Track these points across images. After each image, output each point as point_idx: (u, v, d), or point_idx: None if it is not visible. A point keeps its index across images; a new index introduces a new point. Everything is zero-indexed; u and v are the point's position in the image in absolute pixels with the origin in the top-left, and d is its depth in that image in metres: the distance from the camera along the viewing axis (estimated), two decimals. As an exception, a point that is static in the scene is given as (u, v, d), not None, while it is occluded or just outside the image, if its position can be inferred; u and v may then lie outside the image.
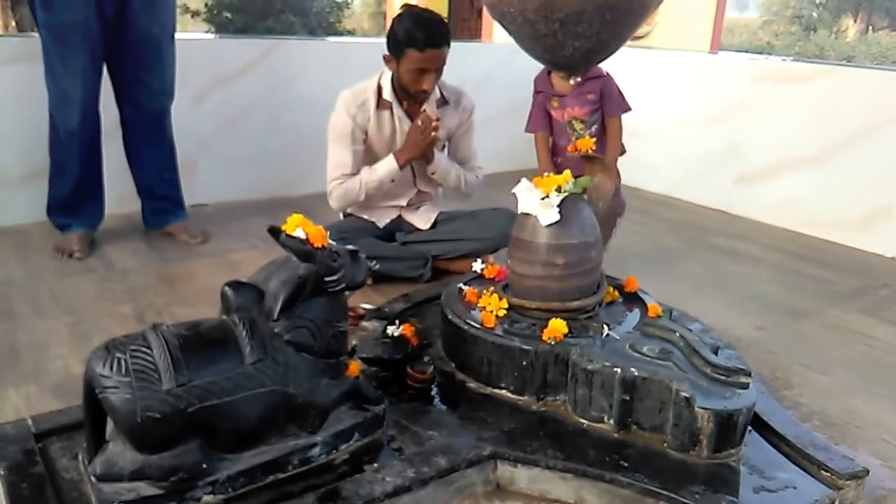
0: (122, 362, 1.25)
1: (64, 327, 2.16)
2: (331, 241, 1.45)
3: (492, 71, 4.29)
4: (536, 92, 2.52)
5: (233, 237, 3.00)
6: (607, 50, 1.79)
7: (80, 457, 1.39)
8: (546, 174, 1.78)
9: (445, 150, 2.67)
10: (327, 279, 1.42)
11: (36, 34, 2.77)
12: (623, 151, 2.58)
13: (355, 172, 2.52)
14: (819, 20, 15.96)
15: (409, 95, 2.49)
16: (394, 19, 2.42)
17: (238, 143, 3.55)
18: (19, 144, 3.06)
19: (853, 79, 3.32)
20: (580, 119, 2.43)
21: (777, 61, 3.97)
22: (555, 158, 2.57)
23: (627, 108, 2.50)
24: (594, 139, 2.05)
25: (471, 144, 2.72)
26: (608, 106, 2.44)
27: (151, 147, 2.92)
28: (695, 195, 3.95)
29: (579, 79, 2.33)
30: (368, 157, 2.58)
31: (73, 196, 2.80)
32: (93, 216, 2.87)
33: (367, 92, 2.52)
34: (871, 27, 16.05)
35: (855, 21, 16.16)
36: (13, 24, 8.02)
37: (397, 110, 2.52)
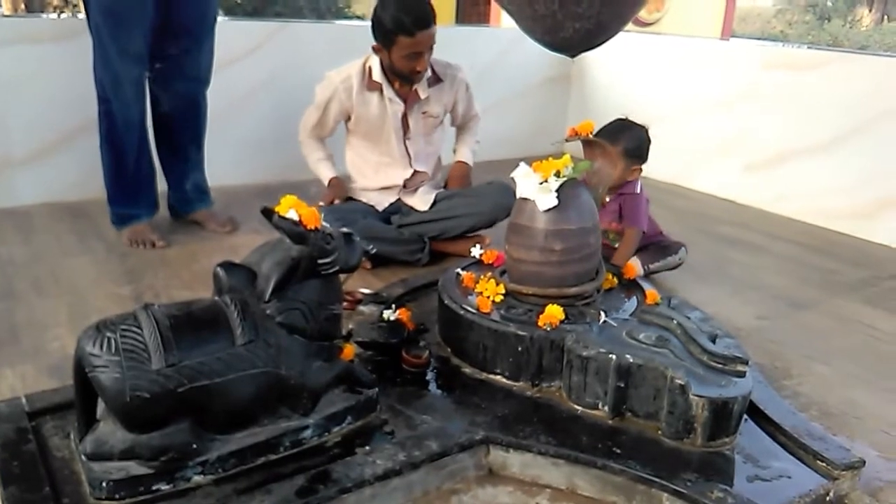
0: (112, 342, 1.25)
1: (63, 307, 2.17)
2: (324, 224, 1.44)
3: (499, 56, 4.26)
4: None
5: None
6: (607, 32, 1.77)
7: (71, 436, 1.39)
8: None
9: (445, 121, 2.75)
10: (320, 261, 1.41)
11: (54, 15, 2.74)
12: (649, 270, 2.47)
13: (318, 135, 2.70)
14: (833, 9, 15.76)
15: (401, 77, 2.48)
16: (376, 7, 2.41)
17: (243, 126, 3.54)
18: (24, 126, 3.06)
19: (863, 66, 3.28)
20: (612, 231, 2.39)
21: (787, 48, 3.93)
22: None
23: (641, 226, 2.37)
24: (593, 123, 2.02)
25: (472, 108, 2.79)
26: (630, 218, 2.36)
27: (183, 133, 2.86)
28: (701, 183, 3.91)
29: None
30: (357, 136, 2.65)
31: (136, 185, 2.74)
32: (153, 203, 2.82)
33: (352, 75, 2.54)
34: (886, 17, 15.84)
35: (870, 10, 15.95)
36: (23, 6, 8.03)
37: (388, 91, 2.53)
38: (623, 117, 2.39)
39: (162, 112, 2.81)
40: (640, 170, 2.37)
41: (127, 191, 2.73)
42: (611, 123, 2.33)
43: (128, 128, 2.63)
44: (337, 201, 2.60)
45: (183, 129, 2.86)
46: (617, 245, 2.32)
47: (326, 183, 2.66)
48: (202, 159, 2.97)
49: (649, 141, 2.37)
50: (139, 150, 2.70)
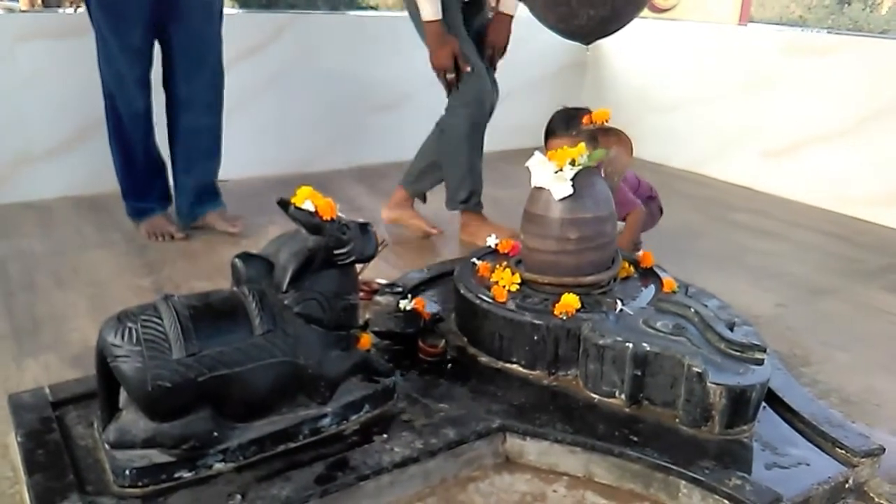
0: (134, 332, 1.27)
1: (84, 299, 2.20)
2: (340, 214, 1.45)
3: (514, 45, 4.22)
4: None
5: (253, 212, 3.01)
6: (622, 19, 1.75)
7: (95, 424, 1.41)
8: None
9: None
10: (336, 252, 1.42)
11: (70, 10, 2.75)
12: (638, 247, 2.47)
13: None
14: (854, -8, 15.50)
15: None
16: None
17: (259, 118, 3.56)
18: (43, 120, 3.10)
19: (884, 51, 3.23)
20: None
21: (806, 33, 3.88)
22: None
23: (637, 206, 2.42)
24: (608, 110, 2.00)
25: None
26: (620, 207, 2.24)
27: (194, 132, 2.76)
28: (719, 170, 3.88)
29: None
30: None
31: (148, 179, 2.75)
32: (166, 195, 2.83)
33: None
34: (908, -1, 15.56)
35: (892, -7, 15.68)
36: (39, 1, 8.08)
37: None
38: (566, 107, 2.39)
39: (174, 109, 2.75)
40: None
41: (138, 184, 2.75)
42: (557, 114, 2.36)
43: (134, 122, 2.64)
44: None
45: (193, 128, 2.78)
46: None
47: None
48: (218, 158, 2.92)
49: None
50: (148, 144, 2.71)
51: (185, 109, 2.72)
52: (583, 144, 1.75)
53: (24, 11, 4.62)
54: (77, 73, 3.09)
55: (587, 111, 2.17)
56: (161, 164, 2.80)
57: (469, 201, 2.74)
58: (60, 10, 3.74)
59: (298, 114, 3.64)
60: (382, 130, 3.77)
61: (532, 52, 4.23)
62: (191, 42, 2.63)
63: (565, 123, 2.28)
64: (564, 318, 1.67)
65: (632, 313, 1.69)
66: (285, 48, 3.55)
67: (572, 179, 1.70)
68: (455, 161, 2.69)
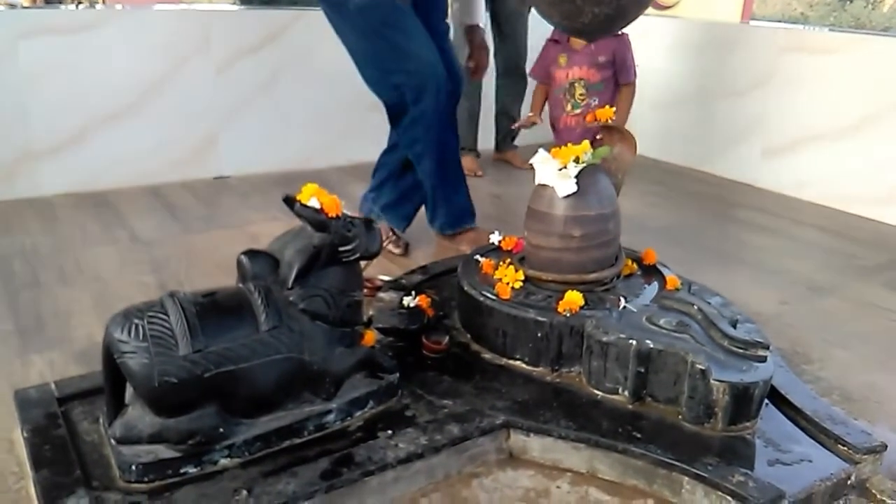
0: (140, 328, 1.27)
1: (88, 296, 2.20)
2: (345, 211, 1.45)
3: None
4: (551, 40, 2.42)
5: (255, 209, 3.02)
6: (628, 16, 1.76)
7: (100, 420, 1.42)
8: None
9: None
10: (342, 249, 1.43)
11: (72, 7, 2.71)
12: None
13: None
14: (856, -10, 15.47)
15: None
16: None
17: (261, 114, 3.56)
18: (46, 116, 3.10)
19: (886, 49, 3.23)
20: (585, 82, 2.27)
21: (808, 31, 3.88)
22: (556, 128, 2.44)
23: (635, 76, 2.37)
24: (613, 108, 2.01)
25: None
26: (622, 72, 2.30)
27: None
28: (720, 168, 3.88)
29: None
30: None
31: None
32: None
33: None
34: (910, -3, 15.53)
35: (893, -10, 15.64)
36: (41, -3, 8.07)
37: None
38: None
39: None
40: None
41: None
42: None
43: (447, 106, 2.41)
44: None
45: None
46: (579, 109, 2.25)
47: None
48: None
49: None
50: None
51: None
52: (587, 142, 1.76)
53: (26, 7, 4.62)
54: (80, 70, 3.10)
55: None
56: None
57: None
58: (62, 7, 3.73)
59: (300, 110, 3.64)
60: (383, 127, 3.77)
61: (533, 50, 4.23)
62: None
63: None
64: (568, 315, 1.67)
65: (635, 310, 1.69)
66: (287, 45, 3.56)
67: (576, 177, 1.71)
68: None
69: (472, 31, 2.67)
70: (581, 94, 2.30)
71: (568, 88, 2.33)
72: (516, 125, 2.52)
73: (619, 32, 2.27)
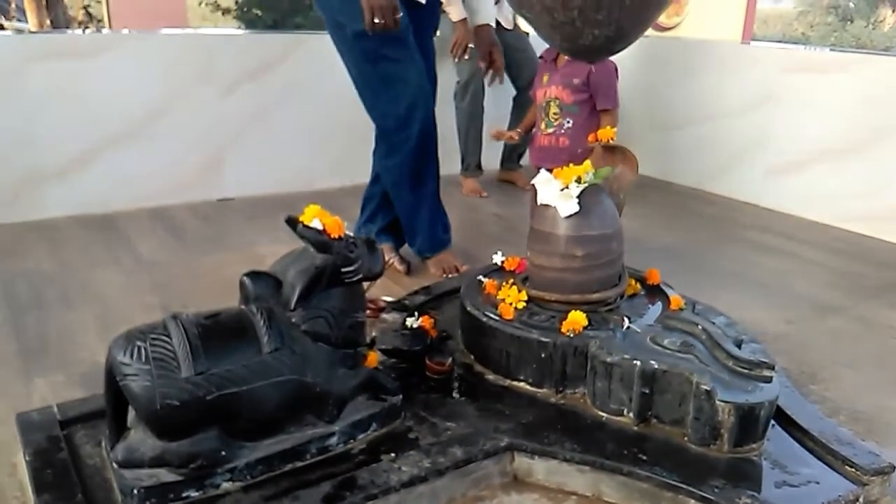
0: (143, 350, 1.27)
1: (91, 318, 2.20)
2: (347, 233, 1.46)
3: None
4: (540, 57, 2.40)
5: (258, 231, 3.03)
6: (628, 38, 1.77)
7: (103, 443, 1.41)
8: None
9: None
10: (344, 270, 1.43)
11: (79, 31, 2.76)
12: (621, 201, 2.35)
13: None
14: (855, 10, 15.57)
15: None
16: None
17: (265, 137, 3.58)
18: (52, 140, 3.12)
19: (887, 68, 3.24)
20: (559, 102, 2.21)
21: (808, 51, 3.90)
22: (533, 145, 2.37)
23: (615, 104, 2.24)
24: (615, 130, 2.01)
25: None
26: (599, 98, 2.20)
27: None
28: (723, 187, 3.88)
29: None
30: None
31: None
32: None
33: None
34: (910, 17, 15.62)
35: (893, 11, 15.73)
36: (48, 21, 8.18)
37: None
38: None
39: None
40: None
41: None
42: None
43: (429, 141, 2.46)
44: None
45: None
46: (552, 129, 2.21)
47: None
48: None
49: None
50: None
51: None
52: (588, 162, 1.76)
53: (33, 32, 4.68)
54: (87, 94, 3.13)
55: None
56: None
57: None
58: (69, 31, 3.78)
59: (303, 132, 3.66)
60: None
61: (534, 70, 4.26)
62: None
63: None
64: (572, 335, 1.67)
65: (639, 331, 1.68)
66: (290, 69, 3.58)
67: (578, 197, 1.71)
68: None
69: (481, 31, 2.66)
70: (555, 114, 2.24)
71: (544, 107, 2.28)
72: (494, 132, 2.49)
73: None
